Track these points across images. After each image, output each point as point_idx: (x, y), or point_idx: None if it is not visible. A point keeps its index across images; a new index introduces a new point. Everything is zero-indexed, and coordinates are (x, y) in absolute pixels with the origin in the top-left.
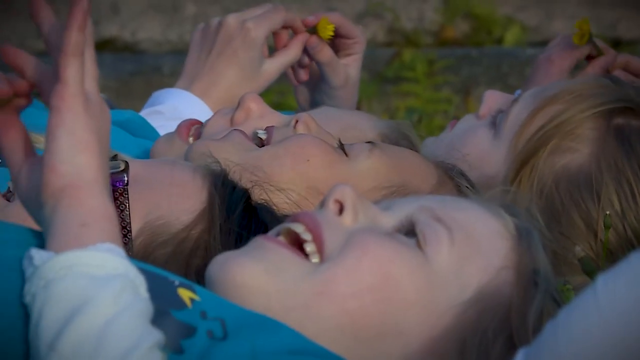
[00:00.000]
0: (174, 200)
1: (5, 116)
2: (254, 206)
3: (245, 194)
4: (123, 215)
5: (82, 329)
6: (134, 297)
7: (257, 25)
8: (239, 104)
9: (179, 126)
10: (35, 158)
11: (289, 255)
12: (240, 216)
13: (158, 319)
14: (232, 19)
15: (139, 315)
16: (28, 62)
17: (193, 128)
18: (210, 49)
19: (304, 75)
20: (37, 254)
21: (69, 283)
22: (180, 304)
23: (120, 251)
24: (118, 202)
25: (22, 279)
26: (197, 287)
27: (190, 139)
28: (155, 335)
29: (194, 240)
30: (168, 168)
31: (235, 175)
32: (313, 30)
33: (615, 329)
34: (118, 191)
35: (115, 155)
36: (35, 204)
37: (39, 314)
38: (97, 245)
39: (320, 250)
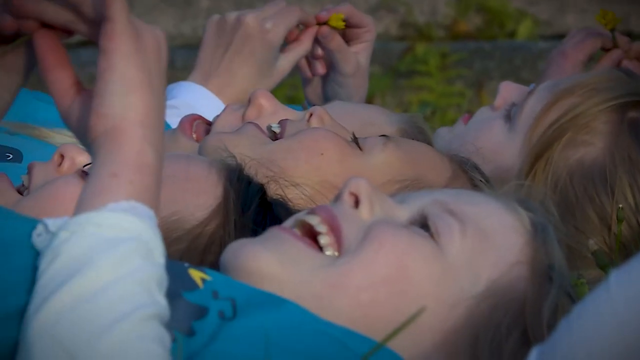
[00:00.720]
0: (188, 196)
1: (43, 36)
2: (269, 202)
3: (261, 190)
4: None
5: (73, 293)
6: (143, 263)
7: (276, 26)
8: (250, 101)
9: (181, 122)
10: (87, 96)
11: (303, 248)
12: (255, 212)
13: (169, 301)
14: (250, 19)
15: (143, 282)
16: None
17: (195, 124)
18: (227, 47)
19: (320, 68)
20: (50, 221)
21: (74, 242)
22: (192, 285)
23: (141, 209)
24: None
25: (34, 257)
26: (207, 268)
27: (194, 135)
28: (157, 306)
29: (208, 236)
30: (184, 163)
31: (251, 170)
32: (324, 23)
33: (630, 325)
34: None
35: None
36: (85, 146)
37: (40, 274)
38: (119, 203)
39: (339, 242)
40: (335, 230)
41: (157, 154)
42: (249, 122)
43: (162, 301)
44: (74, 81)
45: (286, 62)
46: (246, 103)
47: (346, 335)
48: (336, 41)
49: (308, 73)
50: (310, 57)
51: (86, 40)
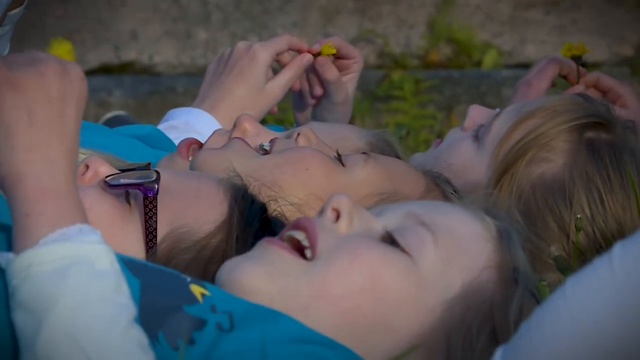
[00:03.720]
0: (198, 211)
1: None
2: (269, 219)
3: (262, 208)
4: (151, 221)
5: (52, 336)
6: (91, 279)
7: (263, 47)
8: (234, 125)
9: (179, 146)
10: None
11: (288, 256)
12: (257, 228)
13: (172, 313)
14: (241, 44)
15: (101, 298)
16: None
17: (192, 148)
18: (222, 72)
19: (319, 90)
20: (1, 258)
21: (27, 289)
22: (192, 299)
23: (68, 231)
24: (147, 209)
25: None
26: (207, 283)
27: (190, 158)
28: (125, 311)
29: (212, 249)
30: (195, 180)
31: (254, 189)
32: (317, 54)
33: (585, 329)
34: (148, 199)
35: (149, 164)
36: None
37: (14, 322)
38: (46, 238)
39: (313, 246)
40: (311, 236)
41: (55, 176)
42: (236, 137)
43: (125, 301)
44: None
45: (276, 84)
46: (231, 127)
47: (340, 348)
48: (333, 71)
49: (309, 100)
50: (312, 82)
51: (94, 69)
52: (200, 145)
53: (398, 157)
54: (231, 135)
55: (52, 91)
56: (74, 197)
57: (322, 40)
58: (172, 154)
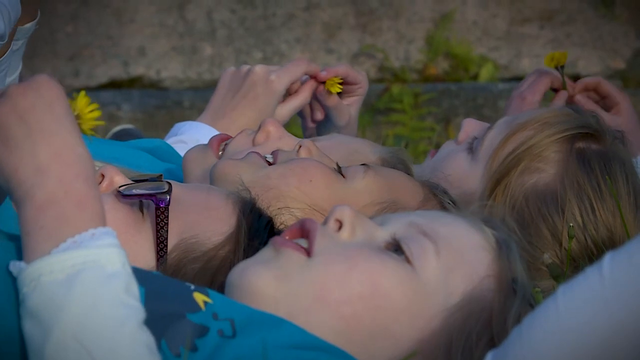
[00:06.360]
0: (207, 222)
1: None
2: (275, 232)
3: (269, 222)
4: (162, 231)
5: (59, 344)
6: (100, 282)
7: (280, 77)
8: (259, 127)
9: (211, 140)
10: None
11: (292, 254)
12: (263, 240)
13: (175, 321)
14: (259, 68)
15: (110, 301)
16: None
17: (223, 143)
18: (236, 91)
19: (319, 114)
20: (13, 267)
21: (36, 298)
22: (195, 307)
23: (78, 239)
24: (159, 219)
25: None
26: (210, 291)
27: (220, 152)
28: (134, 312)
29: (220, 259)
30: (205, 193)
31: (263, 203)
32: (323, 82)
33: (573, 335)
34: (160, 209)
35: (161, 176)
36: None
37: (23, 330)
38: (57, 248)
39: (311, 244)
40: (311, 236)
41: (47, 185)
42: (252, 152)
43: (134, 303)
44: None
45: (284, 110)
46: (257, 129)
47: (341, 355)
48: (332, 99)
49: (309, 122)
50: (313, 106)
51: (104, 84)
52: None
53: (409, 175)
54: (256, 136)
55: (19, 108)
56: (77, 199)
57: (329, 69)
58: (205, 147)
